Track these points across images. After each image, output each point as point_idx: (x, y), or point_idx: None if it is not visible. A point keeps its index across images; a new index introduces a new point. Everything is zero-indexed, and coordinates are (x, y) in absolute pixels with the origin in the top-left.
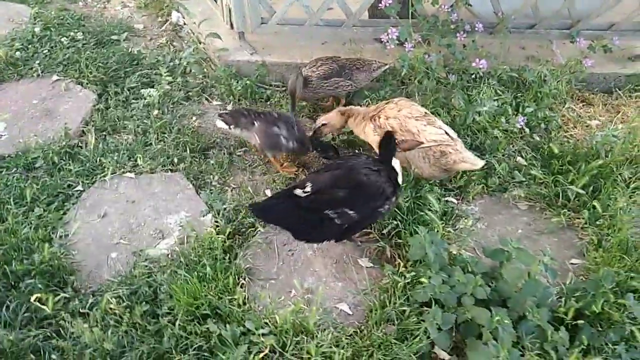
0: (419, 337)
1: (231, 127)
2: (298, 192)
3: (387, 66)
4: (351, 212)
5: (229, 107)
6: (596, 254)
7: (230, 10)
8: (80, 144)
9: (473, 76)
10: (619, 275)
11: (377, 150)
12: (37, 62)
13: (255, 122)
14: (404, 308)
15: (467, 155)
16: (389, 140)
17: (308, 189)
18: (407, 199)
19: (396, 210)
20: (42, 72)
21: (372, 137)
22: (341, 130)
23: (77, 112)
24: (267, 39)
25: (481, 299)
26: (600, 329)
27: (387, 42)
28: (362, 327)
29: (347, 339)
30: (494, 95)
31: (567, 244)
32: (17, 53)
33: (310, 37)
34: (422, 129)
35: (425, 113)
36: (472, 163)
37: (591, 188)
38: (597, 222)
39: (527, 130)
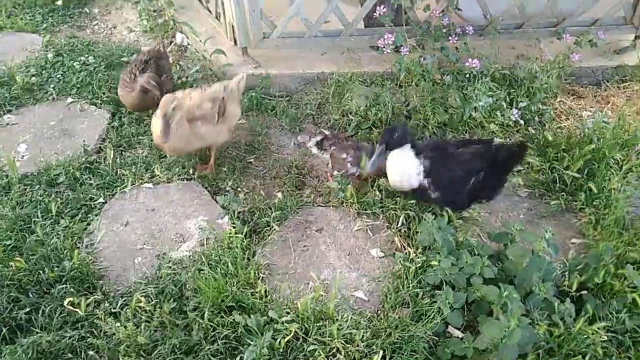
0: (432, 317)
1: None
2: None
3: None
4: None
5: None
6: (595, 232)
7: (233, 28)
8: (98, 160)
9: (467, 76)
10: (617, 249)
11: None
12: (52, 86)
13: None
14: (417, 291)
15: (239, 75)
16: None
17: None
18: None
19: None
20: (57, 96)
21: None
22: None
23: (93, 130)
24: (269, 52)
25: (489, 278)
26: (603, 299)
27: (384, 47)
28: (379, 311)
29: (365, 322)
30: (488, 92)
31: (567, 225)
32: (33, 79)
33: (310, 49)
34: (217, 87)
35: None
36: (243, 77)
37: (586, 172)
38: (594, 203)
39: (522, 123)
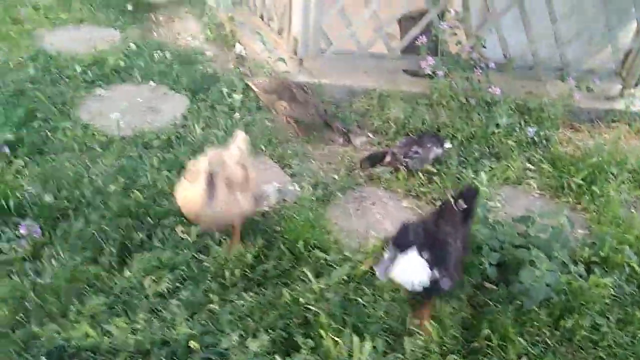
0: (473, 273)
1: None
2: None
3: None
4: None
5: None
6: (597, 225)
7: (296, 41)
8: (184, 132)
9: (488, 102)
10: (616, 234)
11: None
12: (136, 70)
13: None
14: None
15: (240, 134)
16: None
17: None
18: None
19: None
20: (141, 79)
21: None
22: None
23: (176, 109)
24: (319, 64)
25: (516, 245)
26: (607, 270)
27: (425, 68)
28: None
29: None
30: (508, 113)
31: (574, 220)
32: (121, 62)
33: (355, 66)
34: (235, 150)
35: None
36: (244, 136)
37: (588, 180)
38: (596, 203)
39: (535, 140)
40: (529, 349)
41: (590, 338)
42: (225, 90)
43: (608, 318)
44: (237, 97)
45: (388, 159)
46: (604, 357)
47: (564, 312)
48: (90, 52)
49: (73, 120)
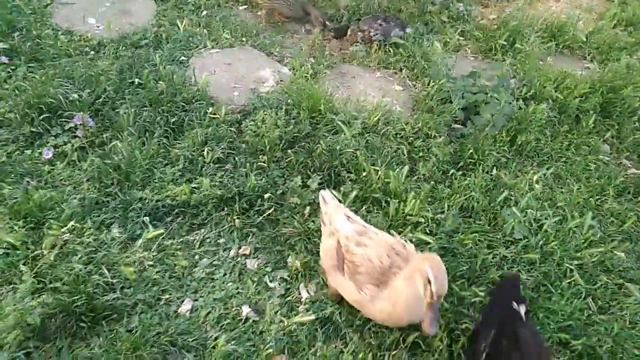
0: (444, 114)
1: None
2: None
3: None
4: None
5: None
6: (524, 73)
7: None
8: (165, 31)
9: None
10: (539, 77)
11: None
12: None
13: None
14: (435, 103)
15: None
16: None
17: None
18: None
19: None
20: None
21: None
22: None
23: (147, 12)
24: None
25: (474, 92)
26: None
27: None
28: (414, 112)
29: (409, 116)
30: None
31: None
32: None
33: None
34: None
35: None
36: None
37: (510, 41)
38: (519, 57)
39: (461, 15)
40: (499, 159)
41: (535, 149)
42: None
43: (544, 134)
44: None
45: (351, 29)
46: (546, 160)
47: (517, 133)
48: None
49: (53, 28)
